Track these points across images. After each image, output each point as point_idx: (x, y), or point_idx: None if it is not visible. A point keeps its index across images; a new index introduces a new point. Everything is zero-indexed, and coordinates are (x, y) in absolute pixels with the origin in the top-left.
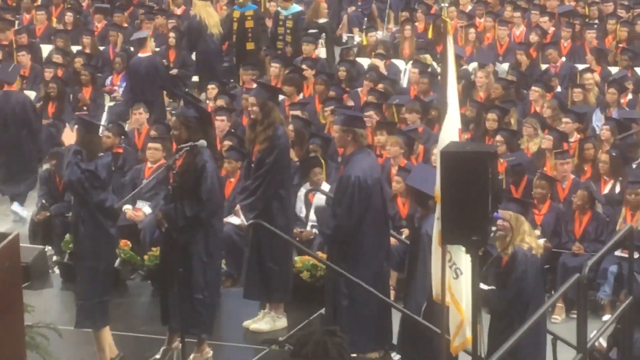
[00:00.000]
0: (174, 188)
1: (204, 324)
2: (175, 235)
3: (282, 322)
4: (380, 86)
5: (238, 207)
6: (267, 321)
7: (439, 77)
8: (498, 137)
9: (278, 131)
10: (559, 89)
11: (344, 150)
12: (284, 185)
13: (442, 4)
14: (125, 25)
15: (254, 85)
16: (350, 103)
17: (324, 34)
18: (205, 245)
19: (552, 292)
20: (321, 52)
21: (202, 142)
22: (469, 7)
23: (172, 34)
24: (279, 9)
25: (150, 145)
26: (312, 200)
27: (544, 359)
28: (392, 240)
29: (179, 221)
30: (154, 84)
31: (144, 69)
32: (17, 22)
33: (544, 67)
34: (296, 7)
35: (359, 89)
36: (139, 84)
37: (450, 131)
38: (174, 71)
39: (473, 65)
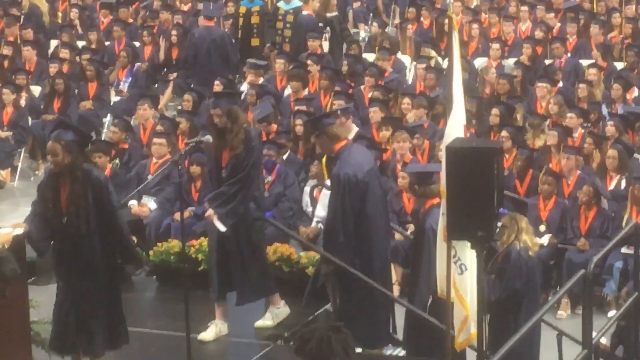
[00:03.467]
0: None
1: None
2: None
3: (284, 311)
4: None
5: (211, 212)
6: (268, 317)
7: (444, 73)
8: (504, 133)
9: (250, 133)
10: (560, 84)
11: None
12: (258, 186)
13: (448, 1)
14: (130, 20)
15: (260, 81)
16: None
17: (328, 28)
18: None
19: (558, 288)
20: (325, 46)
21: (209, 137)
22: (475, 3)
23: (173, 32)
24: (280, 3)
25: (155, 140)
26: (318, 197)
27: (537, 356)
28: (397, 236)
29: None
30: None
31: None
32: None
33: (547, 62)
34: (297, 2)
35: (362, 86)
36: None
37: (456, 127)
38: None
39: (481, 60)
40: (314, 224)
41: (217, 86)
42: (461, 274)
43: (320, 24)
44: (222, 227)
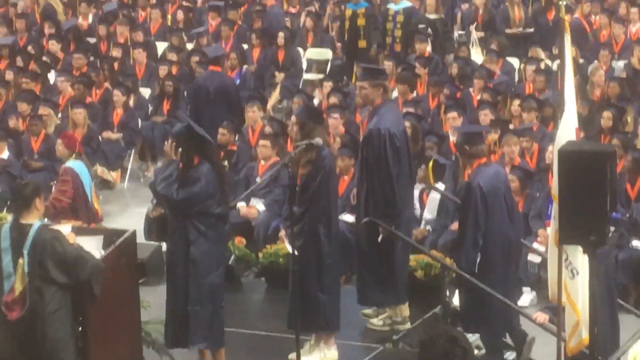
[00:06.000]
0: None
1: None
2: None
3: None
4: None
5: (283, 232)
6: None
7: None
8: (615, 141)
9: (322, 152)
10: None
11: (368, 105)
12: (330, 209)
13: (560, 2)
14: (239, 22)
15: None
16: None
17: (430, 30)
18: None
19: None
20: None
21: (318, 140)
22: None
23: (280, 34)
24: (389, 4)
25: (260, 142)
26: (425, 200)
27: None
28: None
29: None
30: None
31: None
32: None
33: None
34: (406, 3)
35: (471, 89)
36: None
37: (567, 130)
38: None
39: (592, 64)
40: (422, 226)
41: (326, 87)
42: (572, 279)
43: (423, 26)
44: (290, 248)
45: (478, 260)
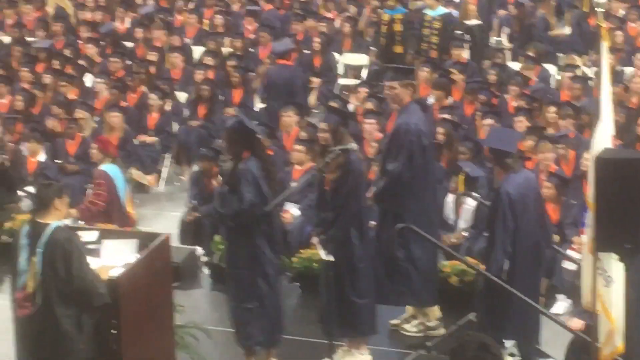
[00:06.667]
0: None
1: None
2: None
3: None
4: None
5: (316, 239)
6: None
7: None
8: None
9: (350, 157)
10: None
11: (397, 104)
12: (362, 213)
13: (597, 9)
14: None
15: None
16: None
17: (468, 36)
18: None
19: None
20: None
21: (353, 146)
22: (621, 12)
23: (316, 39)
24: (426, 10)
25: (295, 147)
26: (460, 212)
27: None
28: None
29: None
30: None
31: (283, 79)
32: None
33: None
34: (443, 9)
35: (507, 95)
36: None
37: (604, 138)
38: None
39: (630, 69)
40: (457, 232)
41: (362, 92)
42: (607, 287)
43: (461, 32)
44: (323, 254)
45: (507, 267)
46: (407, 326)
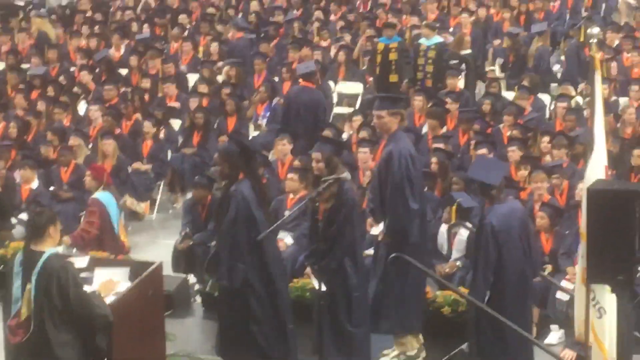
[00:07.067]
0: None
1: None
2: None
3: None
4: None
5: (309, 269)
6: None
7: (584, 112)
8: None
9: (344, 186)
10: None
11: (385, 133)
12: (356, 242)
13: (591, 40)
14: (271, 55)
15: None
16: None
17: (464, 65)
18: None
19: None
20: (460, 83)
21: (346, 175)
22: (616, 42)
23: None
24: (421, 40)
25: (288, 175)
26: (453, 243)
27: None
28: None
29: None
30: (311, 118)
31: (304, 101)
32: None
33: None
34: (438, 38)
35: (501, 125)
36: (295, 115)
37: (597, 168)
38: None
39: (624, 100)
40: (450, 262)
41: (356, 121)
42: (600, 318)
43: (456, 61)
44: (316, 284)
45: (487, 297)
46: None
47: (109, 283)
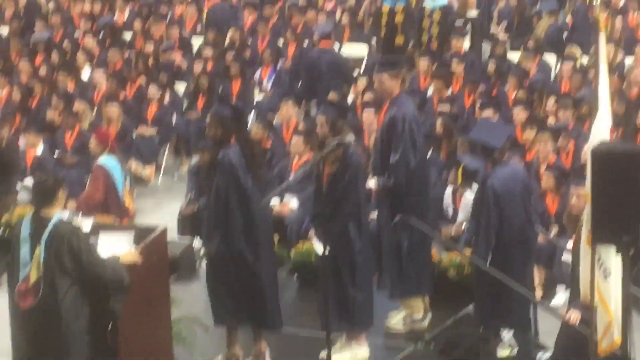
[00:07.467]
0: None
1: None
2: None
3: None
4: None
5: (312, 232)
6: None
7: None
8: None
9: (348, 150)
10: None
11: (386, 95)
12: (360, 206)
13: (595, 1)
14: (275, 19)
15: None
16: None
17: (469, 27)
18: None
19: None
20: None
21: (350, 138)
22: (622, 2)
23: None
24: (426, 2)
25: (293, 138)
26: (458, 204)
27: None
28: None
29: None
30: (338, 77)
31: (328, 62)
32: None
33: None
34: (443, 0)
35: (506, 87)
36: (315, 77)
37: (601, 130)
38: None
39: (630, 60)
40: (456, 224)
41: (362, 83)
42: (605, 279)
43: (461, 23)
44: (319, 248)
45: (490, 259)
46: (392, 323)
47: (129, 254)
